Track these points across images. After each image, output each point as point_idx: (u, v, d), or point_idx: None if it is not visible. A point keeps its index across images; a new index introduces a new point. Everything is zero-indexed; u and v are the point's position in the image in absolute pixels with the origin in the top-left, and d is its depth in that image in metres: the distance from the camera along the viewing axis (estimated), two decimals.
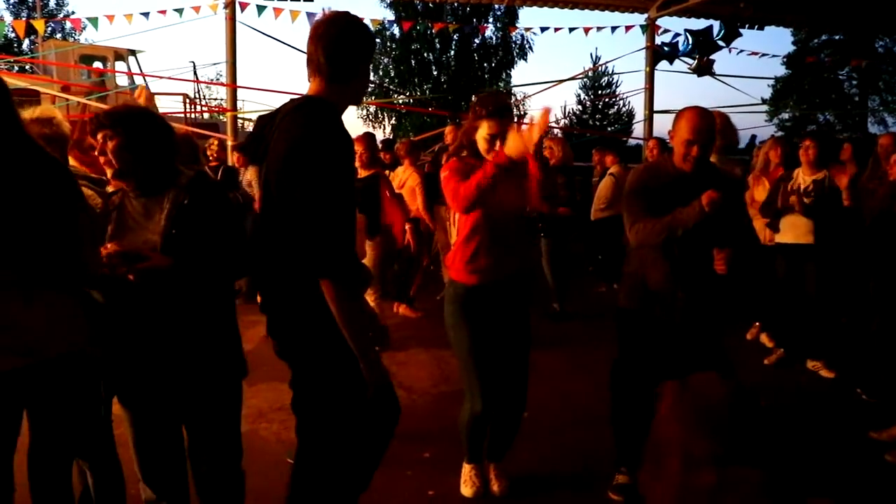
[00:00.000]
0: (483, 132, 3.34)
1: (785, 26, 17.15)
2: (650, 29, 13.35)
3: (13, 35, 28.93)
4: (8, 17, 29.79)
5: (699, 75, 13.12)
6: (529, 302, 3.66)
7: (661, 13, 12.98)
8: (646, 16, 13.30)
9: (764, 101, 28.80)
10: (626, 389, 3.61)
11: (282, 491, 3.81)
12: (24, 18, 27.06)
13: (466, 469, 3.82)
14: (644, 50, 13.56)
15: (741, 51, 13.87)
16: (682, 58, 13.19)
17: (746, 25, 13.21)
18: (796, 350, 5.92)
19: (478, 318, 3.48)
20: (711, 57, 12.96)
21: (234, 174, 8.49)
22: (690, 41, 12.73)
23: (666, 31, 13.33)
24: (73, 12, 33.70)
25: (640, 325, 3.51)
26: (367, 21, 12.28)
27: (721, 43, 12.92)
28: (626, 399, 3.61)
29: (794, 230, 5.63)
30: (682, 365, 3.42)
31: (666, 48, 13.28)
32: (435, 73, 31.10)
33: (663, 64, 13.54)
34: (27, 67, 19.42)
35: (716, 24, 13.01)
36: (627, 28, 13.58)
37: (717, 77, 13.26)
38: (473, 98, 3.51)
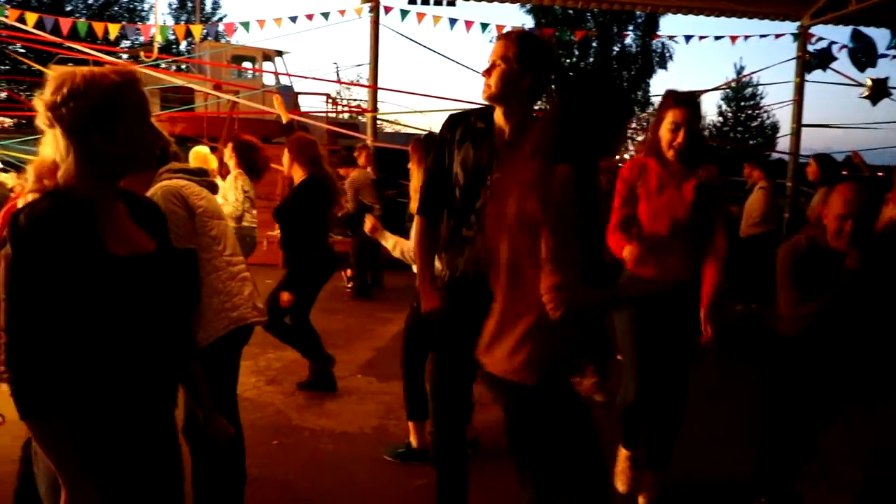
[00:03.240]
0: (667, 121, 3.39)
1: None
2: (802, 38, 12.71)
3: (173, 37, 30.79)
4: (170, 21, 31.66)
5: (874, 102, 12.25)
6: (694, 311, 3.59)
7: (816, 21, 12.32)
8: (798, 24, 12.68)
9: None
10: (785, 432, 3.43)
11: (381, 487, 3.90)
12: (183, 23, 28.66)
13: (622, 456, 3.80)
14: (794, 60, 12.93)
15: None
16: (833, 68, 12.46)
17: None
18: None
19: (646, 313, 3.48)
20: (881, 77, 12.07)
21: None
22: (846, 47, 11.98)
23: (820, 39, 12.64)
24: (225, 15, 35.43)
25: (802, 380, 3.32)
26: (507, 29, 12.36)
27: (890, 52, 12.03)
28: (783, 441, 3.43)
29: None
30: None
31: (815, 59, 12.58)
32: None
33: (815, 75, 12.84)
34: (183, 67, 20.59)
35: (878, 34, 12.22)
36: (777, 37, 13.01)
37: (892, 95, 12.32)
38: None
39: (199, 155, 6.76)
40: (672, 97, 3.42)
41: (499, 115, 2.87)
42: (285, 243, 5.33)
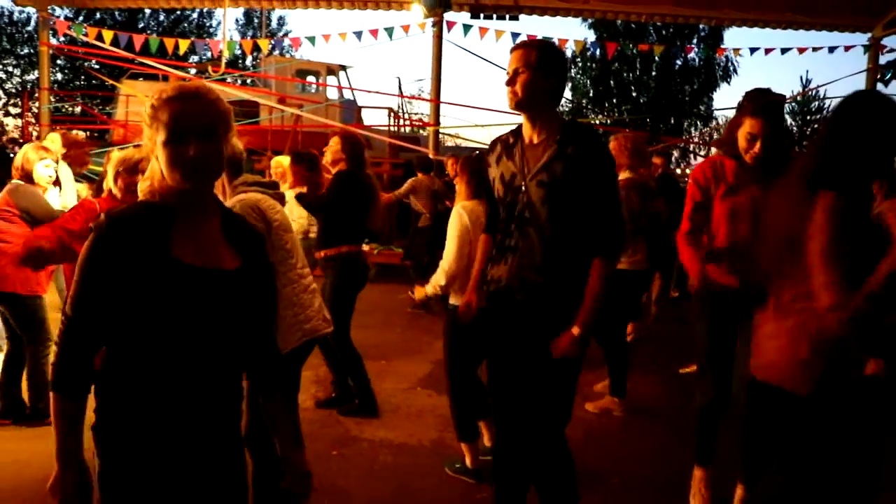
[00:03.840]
0: (744, 129, 3.30)
1: None
2: (873, 49, 12.37)
3: (239, 52, 31.58)
4: (237, 37, 32.38)
5: None
6: None
7: (889, 32, 11.98)
8: (869, 35, 12.35)
9: None
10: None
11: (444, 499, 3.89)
12: (250, 38, 29.28)
13: (697, 476, 3.68)
14: (865, 72, 12.57)
15: None
16: None
17: None
18: None
19: (721, 314, 3.47)
20: None
21: None
22: None
23: (892, 50, 12.28)
24: (290, 31, 36.16)
25: None
26: (570, 43, 12.30)
27: None
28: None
29: None
30: None
31: (889, 70, 12.22)
32: (634, 94, 30.56)
33: (888, 88, 12.46)
34: (249, 81, 21.04)
35: None
36: (847, 49, 12.69)
37: None
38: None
39: (282, 165, 7.01)
40: (752, 104, 3.27)
41: (524, 123, 2.91)
42: (321, 240, 5.15)
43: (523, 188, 2.84)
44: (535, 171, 2.81)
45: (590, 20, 27.82)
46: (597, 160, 2.80)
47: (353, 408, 5.12)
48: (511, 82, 2.82)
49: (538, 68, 2.78)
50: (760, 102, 3.27)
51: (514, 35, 11.54)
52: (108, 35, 11.76)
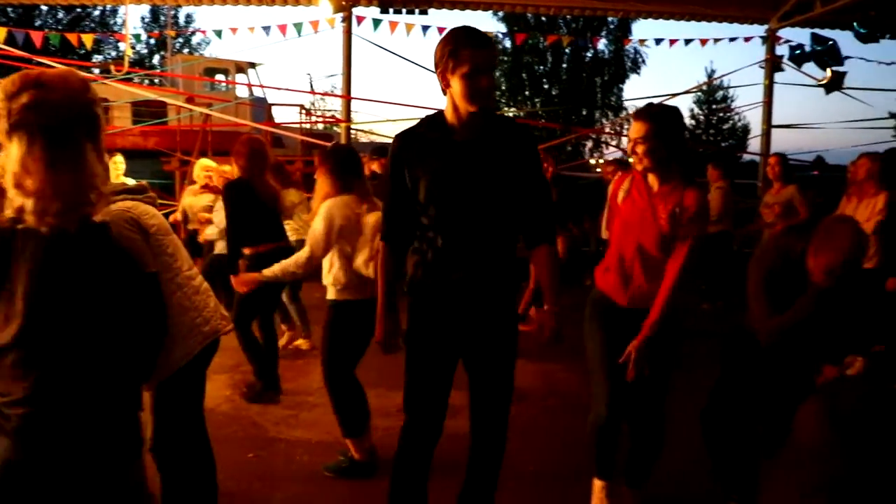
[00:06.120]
0: (629, 138, 3.28)
1: None
2: (770, 40, 12.88)
3: (145, 51, 30.71)
4: (143, 35, 31.48)
5: (828, 91, 12.45)
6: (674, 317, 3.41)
7: (783, 24, 12.49)
8: (766, 27, 12.86)
9: (892, 115, 27.33)
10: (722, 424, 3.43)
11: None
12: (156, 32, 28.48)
13: (596, 487, 3.57)
14: (763, 62, 13.08)
15: (870, 61, 13.17)
16: (801, 69, 12.58)
17: (878, 35, 12.46)
18: None
19: (613, 322, 3.36)
20: (842, 69, 12.26)
21: None
22: (812, 48, 12.13)
23: (787, 41, 12.81)
24: (198, 29, 35.42)
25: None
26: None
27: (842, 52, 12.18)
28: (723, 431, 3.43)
29: None
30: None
31: (794, 54, 12.67)
32: (546, 86, 31.02)
33: (783, 76, 12.98)
34: (156, 80, 20.50)
35: (843, 35, 12.39)
36: (746, 39, 13.19)
37: (844, 90, 12.53)
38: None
39: (206, 166, 6.91)
40: (635, 112, 3.30)
41: (471, 119, 2.74)
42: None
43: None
44: None
45: (500, 13, 28.14)
46: None
47: (258, 391, 5.20)
48: (486, 82, 2.67)
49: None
50: (644, 108, 3.28)
51: (425, 28, 11.55)
52: (0, 32, 11.24)
